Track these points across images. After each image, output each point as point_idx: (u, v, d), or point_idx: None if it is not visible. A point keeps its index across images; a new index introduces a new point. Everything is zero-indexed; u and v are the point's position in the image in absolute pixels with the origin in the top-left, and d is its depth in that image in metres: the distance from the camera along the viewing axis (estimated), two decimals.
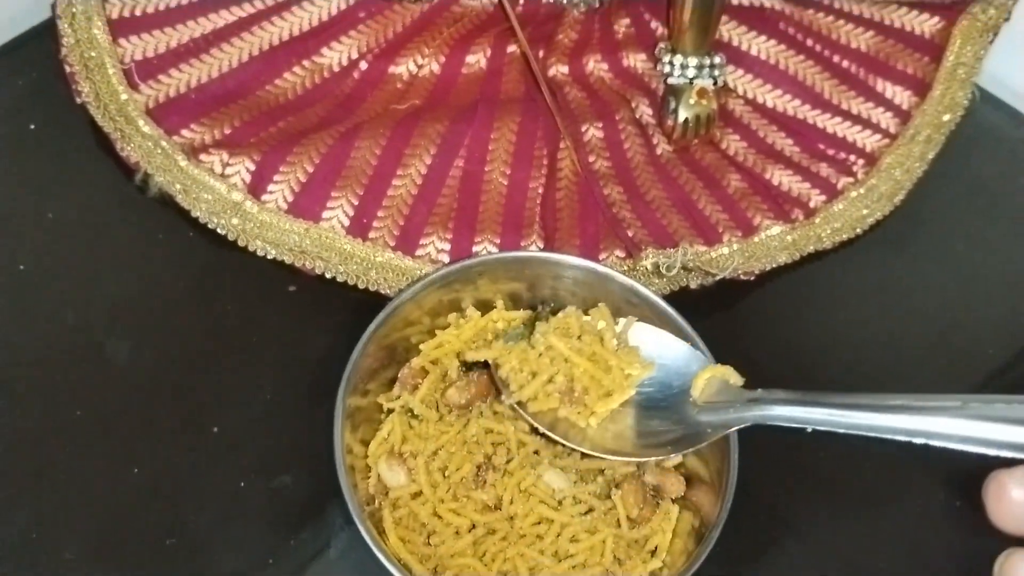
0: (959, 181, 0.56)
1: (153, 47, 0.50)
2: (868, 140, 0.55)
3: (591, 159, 0.52)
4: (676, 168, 0.53)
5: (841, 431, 0.34)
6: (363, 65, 0.53)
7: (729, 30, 0.57)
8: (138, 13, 0.50)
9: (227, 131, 0.50)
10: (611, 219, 0.50)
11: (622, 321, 0.43)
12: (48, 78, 0.51)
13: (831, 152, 0.54)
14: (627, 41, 0.56)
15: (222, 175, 0.48)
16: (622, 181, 0.52)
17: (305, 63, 0.53)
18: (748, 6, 0.57)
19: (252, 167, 0.48)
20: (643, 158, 0.53)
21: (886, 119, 0.55)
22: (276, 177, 0.48)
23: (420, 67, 0.54)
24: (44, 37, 0.52)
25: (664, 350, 0.41)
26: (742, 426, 0.37)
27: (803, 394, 0.36)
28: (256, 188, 0.48)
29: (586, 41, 0.56)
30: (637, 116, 0.54)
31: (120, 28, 0.50)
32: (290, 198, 0.48)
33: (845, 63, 0.56)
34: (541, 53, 0.55)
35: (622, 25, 0.57)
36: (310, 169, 0.48)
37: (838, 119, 0.55)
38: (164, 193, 0.48)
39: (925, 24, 0.56)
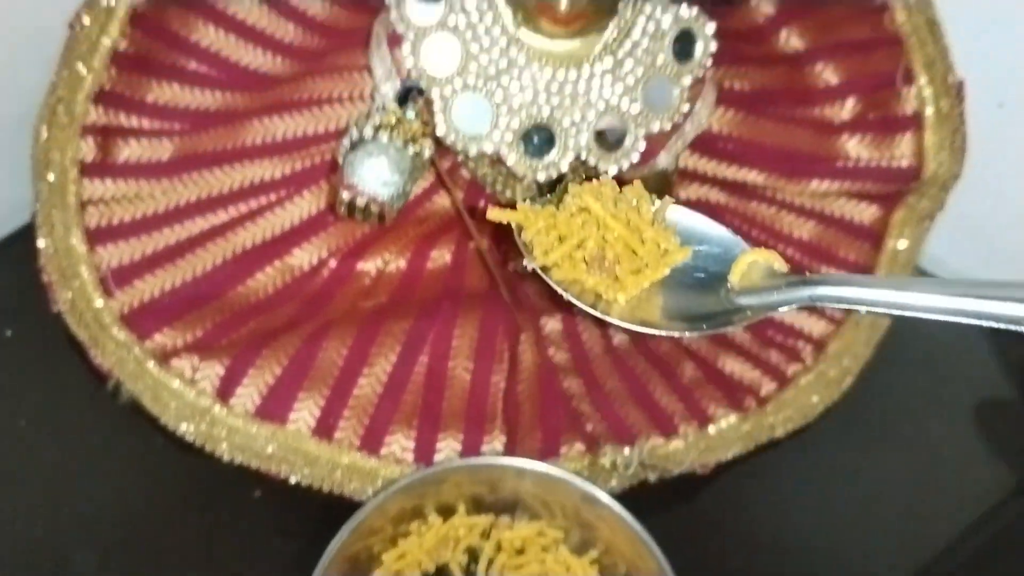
0: (906, 364, 0.59)
1: (129, 255, 0.52)
2: (815, 326, 0.57)
3: (551, 351, 0.54)
4: (633, 358, 0.55)
5: (895, 312, 0.32)
6: (332, 263, 0.56)
7: None
8: (115, 222, 0.52)
9: (199, 334, 0.51)
10: (570, 412, 0.51)
11: (658, 202, 0.40)
12: (24, 283, 0.52)
13: (779, 339, 0.57)
14: None
15: (191, 380, 0.49)
16: (581, 373, 0.54)
17: (276, 263, 0.55)
18: (695, 201, 0.60)
19: (221, 371, 0.49)
20: (601, 348, 0.55)
21: None
22: (245, 380, 0.50)
23: (387, 263, 0.56)
24: (20, 243, 0.54)
25: (701, 234, 0.39)
26: (788, 307, 0.35)
27: (853, 276, 0.34)
28: (225, 392, 0.49)
29: None
30: None
31: (97, 237, 0.52)
32: (258, 401, 0.49)
33: (790, 251, 0.59)
34: (503, 248, 0.58)
35: None
36: (278, 371, 0.50)
37: None
38: (135, 399, 0.49)
39: (864, 213, 0.59)
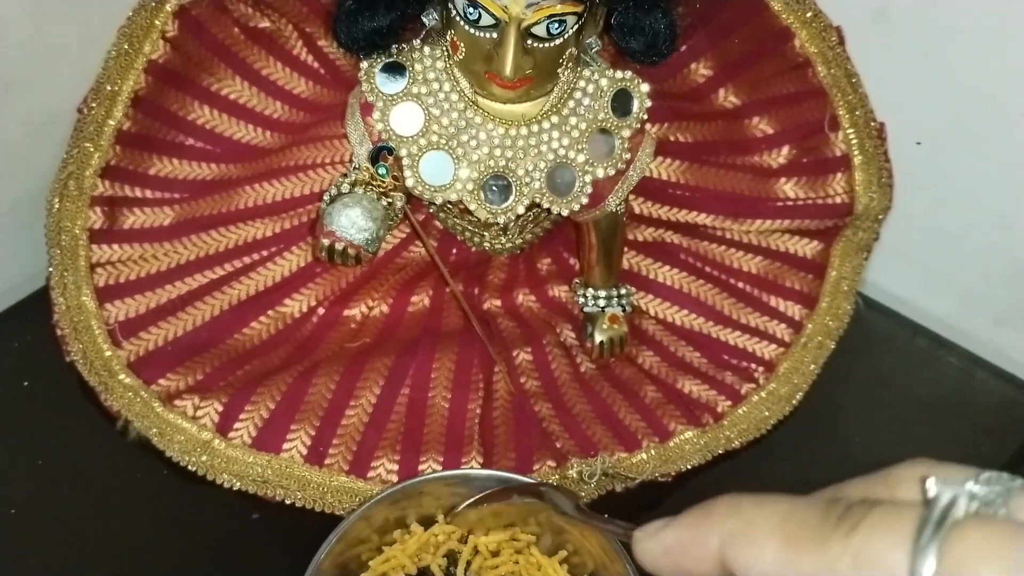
0: (855, 381, 0.64)
1: (135, 309, 0.57)
2: (766, 349, 0.62)
3: (523, 380, 0.59)
4: (598, 383, 0.60)
5: None
6: (320, 311, 0.61)
7: (637, 262, 0.65)
8: (122, 280, 0.58)
9: (199, 377, 0.56)
10: (541, 433, 0.56)
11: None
12: (40, 339, 0.58)
13: (734, 362, 0.62)
14: (549, 276, 0.65)
15: (193, 417, 0.54)
16: (551, 398, 0.59)
17: (270, 312, 0.60)
18: (651, 242, 0.66)
19: (220, 408, 0.54)
20: (569, 376, 0.60)
21: (780, 330, 0.63)
22: (241, 416, 0.54)
23: (371, 309, 0.62)
24: (36, 304, 0.60)
25: None
26: None
27: None
28: (223, 427, 0.54)
29: (514, 278, 0.64)
30: (562, 339, 0.62)
31: (105, 294, 0.57)
32: (254, 433, 0.54)
33: (740, 284, 0.64)
34: (476, 290, 0.63)
35: (544, 263, 0.65)
36: (272, 406, 0.55)
37: (738, 332, 0.63)
38: (142, 437, 0.54)
39: (806, 247, 0.64)
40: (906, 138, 0.63)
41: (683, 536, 0.27)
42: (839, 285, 0.64)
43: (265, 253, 0.61)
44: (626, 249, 0.64)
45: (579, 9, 0.48)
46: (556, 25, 0.48)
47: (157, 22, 0.57)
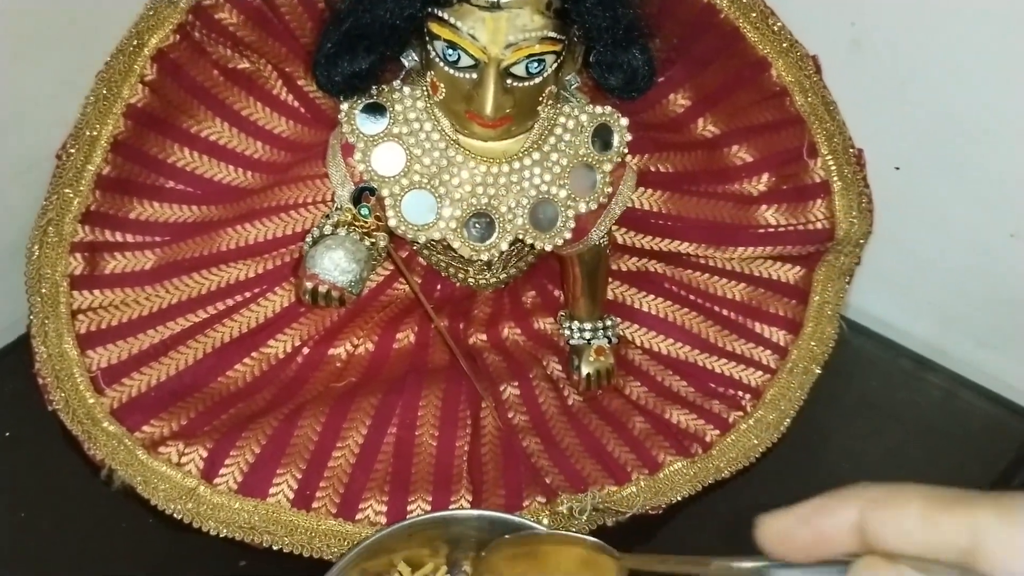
0: (840, 404, 0.64)
1: (117, 355, 0.57)
2: (752, 376, 0.62)
3: (510, 415, 0.59)
4: (587, 416, 0.60)
5: None
6: (305, 350, 0.61)
7: (622, 291, 0.66)
8: (104, 326, 0.57)
9: (183, 422, 0.56)
10: (531, 469, 0.56)
11: None
12: (21, 389, 0.57)
13: (721, 390, 0.62)
14: (535, 308, 0.65)
15: (178, 464, 0.53)
16: (539, 432, 0.58)
17: (254, 354, 0.60)
18: (635, 271, 0.66)
19: (205, 454, 0.54)
20: (556, 410, 0.60)
21: (766, 356, 0.63)
22: (227, 461, 0.54)
23: (356, 347, 0.62)
24: (17, 352, 0.59)
25: None
26: None
27: None
28: (209, 473, 0.53)
29: (499, 312, 0.64)
30: (548, 372, 0.62)
31: (87, 341, 0.56)
32: (240, 479, 0.54)
33: (724, 311, 0.65)
34: (461, 325, 0.63)
35: (529, 296, 0.65)
36: (257, 450, 0.54)
37: (724, 360, 0.63)
38: (126, 485, 0.53)
39: (789, 273, 0.65)
40: (884, 164, 0.63)
41: (820, 504, 0.28)
42: (822, 310, 0.64)
43: (248, 295, 0.61)
44: (610, 279, 0.64)
45: (558, 48, 0.48)
46: (535, 64, 0.48)
47: (136, 66, 0.57)
